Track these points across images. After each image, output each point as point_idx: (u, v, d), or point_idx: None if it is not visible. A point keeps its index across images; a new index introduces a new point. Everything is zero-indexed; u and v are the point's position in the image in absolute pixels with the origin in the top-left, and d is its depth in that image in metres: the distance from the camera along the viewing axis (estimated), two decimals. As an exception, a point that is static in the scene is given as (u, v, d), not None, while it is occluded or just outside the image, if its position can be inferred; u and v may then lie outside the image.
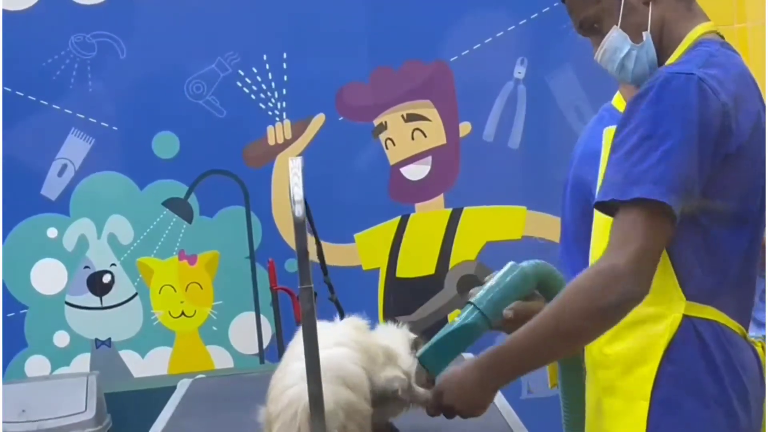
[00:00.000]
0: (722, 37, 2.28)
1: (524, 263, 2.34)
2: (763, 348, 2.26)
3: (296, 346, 2.19)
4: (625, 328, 2.18)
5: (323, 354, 1.95)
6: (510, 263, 2.35)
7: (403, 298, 4.93)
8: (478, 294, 2.32)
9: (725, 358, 2.16)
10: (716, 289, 2.18)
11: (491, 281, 2.34)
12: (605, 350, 2.24)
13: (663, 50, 2.23)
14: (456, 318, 2.31)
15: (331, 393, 2.00)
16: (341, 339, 2.23)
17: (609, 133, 2.33)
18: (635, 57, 2.23)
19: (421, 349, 2.29)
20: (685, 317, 2.16)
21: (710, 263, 2.16)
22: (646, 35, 2.22)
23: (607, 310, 2.07)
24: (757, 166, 2.18)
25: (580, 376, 2.42)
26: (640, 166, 2.06)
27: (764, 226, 2.22)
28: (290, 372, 2.12)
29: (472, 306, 2.29)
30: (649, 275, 2.07)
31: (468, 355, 2.58)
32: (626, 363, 2.20)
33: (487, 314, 2.29)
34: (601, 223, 2.28)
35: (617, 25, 2.22)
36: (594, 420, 2.30)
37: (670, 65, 2.15)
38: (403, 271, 4.93)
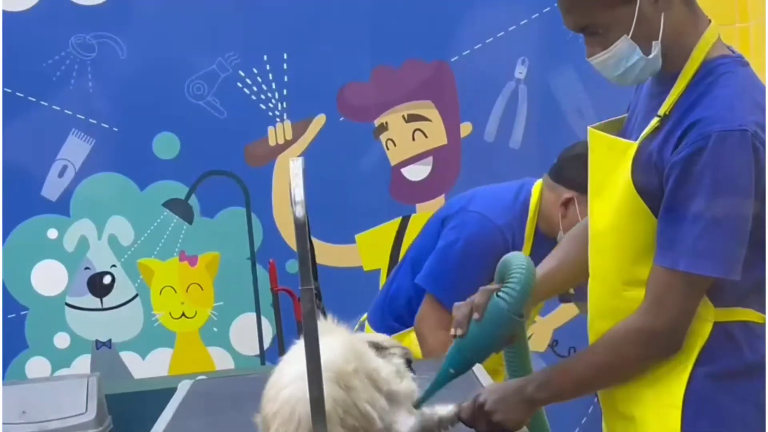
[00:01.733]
0: (728, 46, 2.26)
1: (506, 300, 2.29)
2: None
3: (291, 352, 2.20)
4: None
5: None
6: (491, 302, 2.30)
7: (405, 298, 4.92)
8: (468, 340, 2.31)
9: (755, 354, 2.19)
10: (743, 291, 2.19)
11: (477, 328, 2.30)
12: None
13: (671, 58, 2.19)
14: (449, 366, 2.34)
15: (326, 393, 1.99)
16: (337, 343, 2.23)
17: (593, 134, 2.31)
18: (641, 67, 2.19)
19: (418, 399, 2.28)
20: (716, 324, 2.17)
21: (743, 272, 2.17)
22: (656, 46, 2.17)
23: (646, 366, 2.20)
24: None
25: (524, 341, 2.47)
26: (708, 238, 2.10)
27: None
28: (285, 374, 2.12)
29: (463, 356, 2.31)
30: (685, 331, 2.17)
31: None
32: (656, 374, 2.21)
33: (478, 361, 2.36)
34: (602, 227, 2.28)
35: (628, 35, 2.16)
36: (620, 428, 2.31)
37: (713, 115, 2.10)
38: (404, 272, 4.92)
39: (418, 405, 2.29)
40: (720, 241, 2.09)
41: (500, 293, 2.29)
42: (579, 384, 2.26)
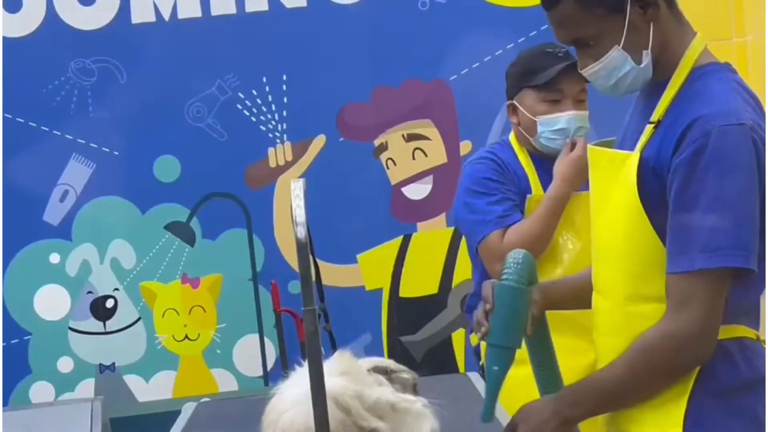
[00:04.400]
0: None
1: (511, 278, 2.34)
2: None
3: (292, 377, 2.20)
4: None
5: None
6: (497, 286, 2.35)
7: (407, 317, 4.92)
8: (492, 333, 2.33)
9: (751, 370, 2.20)
10: (739, 308, 2.20)
11: (495, 315, 2.33)
12: None
13: (660, 67, 2.23)
14: (490, 364, 2.34)
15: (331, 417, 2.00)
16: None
17: (592, 150, 2.34)
18: (633, 76, 2.22)
19: (484, 412, 2.32)
20: None
21: (742, 288, 2.18)
22: (646, 55, 2.21)
23: (681, 372, 2.17)
24: None
25: (547, 334, 2.48)
26: (719, 232, 2.09)
27: None
28: (286, 397, 2.13)
29: (499, 348, 2.32)
30: (716, 333, 2.15)
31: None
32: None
33: (514, 347, 2.34)
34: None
35: (619, 45, 2.20)
36: None
37: (711, 112, 2.12)
38: (406, 291, 4.92)
39: (486, 418, 2.31)
40: (733, 232, 2.09)
41: (501, 277, 2.34)
42: (613, 397, 2.24)
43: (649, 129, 2.20)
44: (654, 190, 2.16)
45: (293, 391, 2.06)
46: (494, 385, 2.32)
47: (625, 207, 2.19)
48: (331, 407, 2.05)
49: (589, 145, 2.37)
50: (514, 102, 3.44)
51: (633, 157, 2.19)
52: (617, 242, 2.23)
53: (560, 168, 3.32)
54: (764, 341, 2.25)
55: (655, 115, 2.20)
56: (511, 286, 2.32)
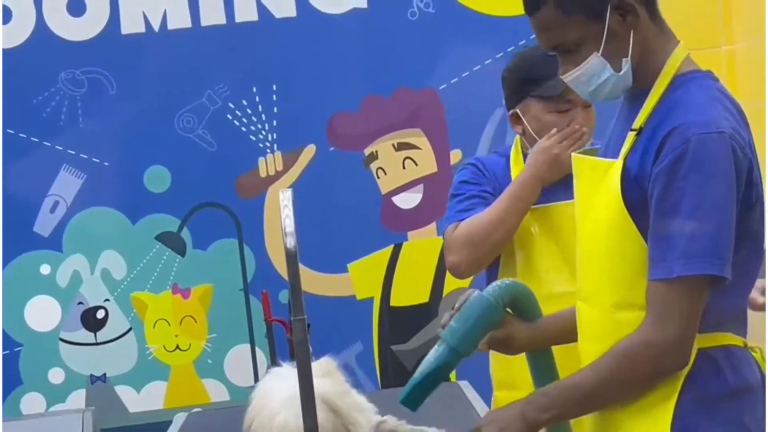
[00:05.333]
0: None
1: (488, 292, 2.37)
2: (762, 356, 2.29)
3: (275, 374, 2.21)
4: None
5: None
6: (475, 293, 2.38)
7: (398, 326, 4.92)
8: (447, 328, 2.35)
9: (737, 378, 2.20)
10: (724, 316, 2.21)
11: (459, 315, 2.36)
12: None
13: (641, 75, 2.24)
14: (430, 356, 2.34)
15: (319, 417, 2.00)
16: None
17: (576, 159, 2.35)
18: (613, 83, 2.23)
19: (402, 393, 2.32)
20: (698, 349, 2.19)
21: (726, 297, 2.19)
22: (626, 63, 2.22)
23: (658, 379, 2.18)
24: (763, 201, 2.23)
25: (550, 360, 2.48)
26: (698, 240, 2.09)
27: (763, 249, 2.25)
28: (276, 398, 2.13)
29: (444, 344, 2.34)
30: (693, 341, 2.15)
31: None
32: (641, 404, 2.22)
33: (461, 351, 2.34)
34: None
35: (598, 51, 2.22)
36: None
37: (691, 120, 2.14)
38: (397, 300, 4.93)
39: (404, 400, 2.31)
40: (711, 241, 2.10)
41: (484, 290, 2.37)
42: (584, 402, 2.24)
43: (631, 136, 2.21)
44: (636, 198, 2.17)
45: (282, 393, 2.07)
46: (423, 373, 2.32)
47: (610, 215, 2.20)
48: (321, 408, 2.06)
49: (573, 154, 2.38)
50: (518, 111, 3.27)
51: (616, 165, 2.20)
52: (602, 250, 2.23)
53: (530, 156, 3.20)
54: (751, 348, 2.26)
55: (637, 123, 2.21)
56: (485, 297, 2.35)
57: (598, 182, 2.24)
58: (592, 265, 2.28)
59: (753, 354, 2.26)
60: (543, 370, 2.49)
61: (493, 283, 2.40)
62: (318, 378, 2.16)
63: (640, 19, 2.22)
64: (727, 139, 2.11)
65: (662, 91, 2.22)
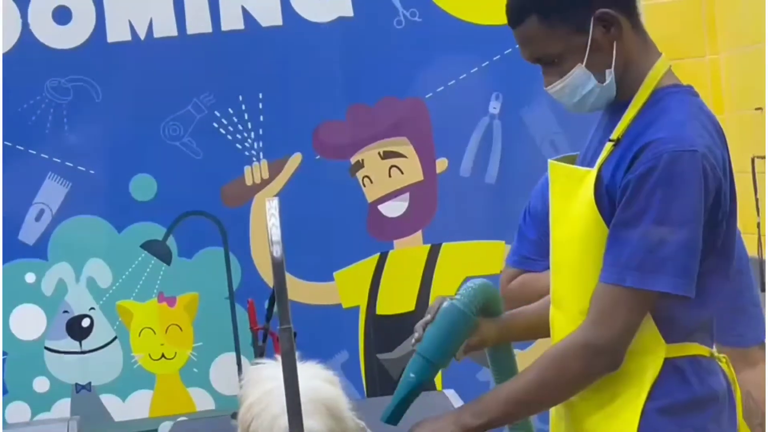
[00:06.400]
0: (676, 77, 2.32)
1: (460, 301, 2.38)
2: (727, 363, 2.32)
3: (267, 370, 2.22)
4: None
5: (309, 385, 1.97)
6: (445, 303, 2.39)
7: (384, 335, 4.92)
8: (423, 342, 2.36)
9: (703, 387, 2.21)
10: (692, 326, 2.22)
11: (432, 327, 2.37)
12: (584, 396, 2.27)
13: (623, 86, 2.26)
14: (409, 371, 2.36)
15: (323, 424, 2.01)
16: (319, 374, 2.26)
17: (552, 165, 2.36)
18: (597, 94, 2.25)
19: (385, 412, 2.33)
20: (665, 359, 2.20)
21: (693, 309, 2.20)
22: (609, 74, 2.24)
23: (588, 382, 2.20)
24: (734, 217, 2.25)
25: (510, 355, 2.51)
26: (657, 254, 2.12)
27: (734, 261, 2.27)
28: (275, 400, 2.14)
29: (422, 358, 2.35)
30: (628, 347, 2.17)
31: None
32: (607, 410, 2.23)
33: (438, 363, 2.37)
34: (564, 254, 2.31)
35: (582, 63, 2.23)
36: None
37: (665, 136, 2.15)
38: (383, 309, 4.93)
39: (384, 418, 2.31)
40: (669, 257, 2.12)
41: (454, 297, 2.39)
42: (518, 404, 2.24)
43: (608, 147, 2.23)
44: (607, 207, 2.19)
45: (281, 391, 2.07)
46: (405, 391, 2.34)
47: (583, 223, 2.22)
48: (325, 414, 2.07)
49: (550, 161, 2.40)
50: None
51: (591, 174, 2.22)
52: (574, 257, 2.25)
53: None
54: (718, 357, 2.29)
55: (615, 134, 2.23)
56: (457, 307, 2.37)
57: (573, 190, 2.25)
58: (564, 271, 2.30)
59: (719, 363, 2.28)
60: (502, 365, 2.51)
61: (464, 288, 2.40)
62: (322, 382, 2.18)
63: (624, 31, 2.23)
64: (699, 158, 2.12)
65: (642, 104, 2.23)
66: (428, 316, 2.39)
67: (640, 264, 2.12)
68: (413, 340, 2.38)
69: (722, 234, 2.21)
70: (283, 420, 2.07)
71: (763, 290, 3.59)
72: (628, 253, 2.13)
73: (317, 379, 2.21)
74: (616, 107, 2.28)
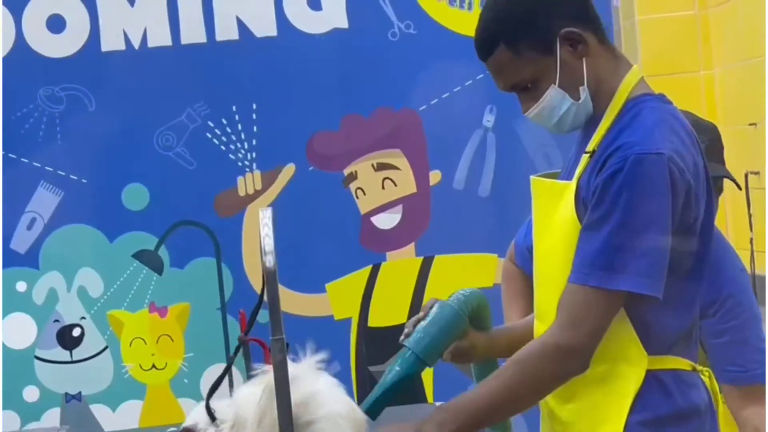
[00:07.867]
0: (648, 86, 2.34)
1: (454, 301, 2.40)
2: (710, 376, 2.34)
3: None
4: (584, 386, 2.23)
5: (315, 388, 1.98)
6: (438, 302, 2.41)
7: (376, 347, 4.91)
8: (413, 337, 2.37)
9: (685, 401, 2.22)
10: (675, 338, 2.23)
11: (424, 322, 2.38)
12: (566, 407, 2.27)
13: (597, 100, 2.29)
14: (395, 365, 2.35)
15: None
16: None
17: (534, 181, 2.39)
18: (574, 112, 2.27)
19: (366, 401, 2.33)
20: (648, 372, 2.21)
21: (670, 317, 2.21)
22: (583, 91, 2.26)
23: (555, 384, 2.22)
24: (708, 222, 2.26)
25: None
26: (622, 255, 2.13)
27: (706, 271, 2.28)
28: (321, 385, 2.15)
29: (410, 352, 2.35)
30: (596, 349, 2.18)
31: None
32: (591, 421, 2.24)
33: (425, 359, 2.37)
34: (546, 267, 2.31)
35: (555, 84, 2.25)
36: None
37: (633, 140, 2.18)
38: (375, 321, 4.92)
39: (368, 409, 2.31)
40: (634, 257, 2.13)
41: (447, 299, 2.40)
42: (483, 413, 2.23)
43: (585, 159, 2.27)
44: (582, 215, 2.20)
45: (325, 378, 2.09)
46: (390, 383, 2.33)
47: (564, 236, 2.24)
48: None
49: (532, 177, 2.44)
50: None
51: (570, 187, 2.24)
52: (556, 270, 2.27)
53: None
54: (700, 371, 2.30)
55: (591, 145, 2.27)
56: (450, 305, 2.38)
57: (554, 204, 2.28)
58: (547, 284, 2.32)
59: (701, 377, 2.29)
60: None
61: (458, 292, 2.42)
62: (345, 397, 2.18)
63: (590, 47, 2.27)
64: (665, 161, 2.14)
65: (615, 115, 2.27)
66: (421, 314, 2.40)
67: (606, 264, 2.14)
68: (403, 335, 2.39)
69: (696, 238, 2.22)
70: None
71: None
72: (594, 253, 2.15)
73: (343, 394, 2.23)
74: (591, 121, 2.32)
